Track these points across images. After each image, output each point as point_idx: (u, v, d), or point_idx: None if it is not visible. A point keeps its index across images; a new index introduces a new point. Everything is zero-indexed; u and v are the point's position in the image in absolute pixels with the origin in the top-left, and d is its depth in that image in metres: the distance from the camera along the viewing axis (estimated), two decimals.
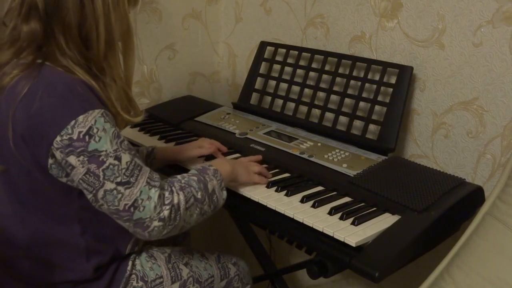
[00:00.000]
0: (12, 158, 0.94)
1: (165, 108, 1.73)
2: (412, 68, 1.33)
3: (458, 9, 1.27)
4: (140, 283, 1.08)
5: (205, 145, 1.31)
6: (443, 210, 1.07)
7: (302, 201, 1.12)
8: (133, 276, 1.08)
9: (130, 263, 1.08)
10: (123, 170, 0.91)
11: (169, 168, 1.31)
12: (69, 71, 0.93)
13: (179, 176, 1.03)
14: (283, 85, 1.61)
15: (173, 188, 0.97)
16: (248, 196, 1.15)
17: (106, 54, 0.96)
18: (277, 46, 1.65)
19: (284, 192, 1.15)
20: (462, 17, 1.27)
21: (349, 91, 1.45)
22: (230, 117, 1.60)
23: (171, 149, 1.31)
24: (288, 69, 1.60)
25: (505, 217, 0.98)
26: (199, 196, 1.00)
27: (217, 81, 2.00)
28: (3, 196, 1.01)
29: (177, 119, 1.61)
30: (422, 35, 1.36)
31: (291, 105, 1.57)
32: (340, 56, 1.48)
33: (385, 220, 1.05)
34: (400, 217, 1.06)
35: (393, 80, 1.36)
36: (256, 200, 1.13)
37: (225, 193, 1.07)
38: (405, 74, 1.33)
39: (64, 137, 0.88)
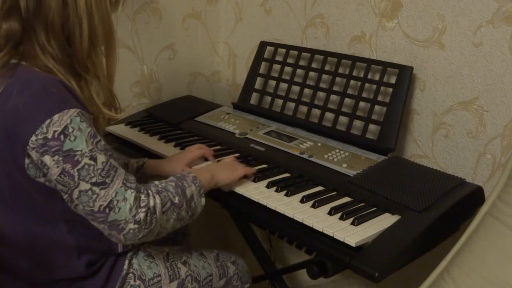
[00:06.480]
0: None
1: (165, 108, 1.73)
2: (412, 68, 1.33)
3: (458, 9, 1.27)
4: (138, 282, 1.08)
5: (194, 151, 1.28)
6: (443, 210, 1.07)
7: (302, 201, 1.12)
8: (130, 275, 1.08)
9: (126, 262, 1.08)
10: (99, 171, 0.90)
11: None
12: (47, 70, 0.92)
13: (156, 182, 1.02)
14: (283, 85, 1.60)
15: (149, 191, 0.97)
16: (248, 196, 1.15)
17: (89, 52, 0.96)
18: (277, 46, 1.65)
19: (284, 192, 1.15)
20: (462, 17, 1.27)
21: (349, 91, 1.44)
22: (230, 117, 1.60)
23: (162, 166, 1.27)
24: (288, 69, 1.60)
25: (505, 217, 0.98)
26: (176, 200, 0.99)
27: (217, 81, 2.00)
28: None
29: (177, 119, 1.61)
30: (422, 35, 1.35)
31: (291, 105, 1.57)
32: (340, 56, 1.48)
33: (385, 220, 1.05)
34: (400, 217, 1.06)
35: (393, 80, 1.36)
36: (256, 200, 1.13)
37: (203, 200, 1.06)
38: (405, 74, 1.33)
39: (39, 137, 0.87)
